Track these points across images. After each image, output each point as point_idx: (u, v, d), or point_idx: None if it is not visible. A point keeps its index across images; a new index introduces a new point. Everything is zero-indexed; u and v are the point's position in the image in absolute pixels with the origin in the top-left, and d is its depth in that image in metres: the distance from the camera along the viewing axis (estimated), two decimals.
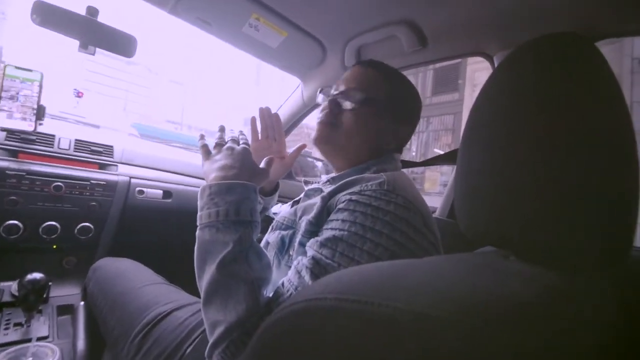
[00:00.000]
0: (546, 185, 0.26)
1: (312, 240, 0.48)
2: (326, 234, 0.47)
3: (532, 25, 0.68)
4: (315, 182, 0.76)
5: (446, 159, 0.85)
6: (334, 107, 0.62)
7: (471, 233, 0.33)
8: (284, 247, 0.56)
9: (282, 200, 1.20)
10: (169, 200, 1.16)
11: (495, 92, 0.33)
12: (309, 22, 0.89)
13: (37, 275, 0.79)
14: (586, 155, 0.26)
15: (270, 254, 0.57)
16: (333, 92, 0.65)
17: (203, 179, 1.38)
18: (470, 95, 7.90)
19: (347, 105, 0.61)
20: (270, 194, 0.79)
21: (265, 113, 0.75)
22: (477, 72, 7.64)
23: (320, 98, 0.70)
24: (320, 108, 0.66)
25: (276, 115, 0.76)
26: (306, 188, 0.75)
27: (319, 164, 1.60)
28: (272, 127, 0.75)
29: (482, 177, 0.31)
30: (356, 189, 0.50)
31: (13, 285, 0.87)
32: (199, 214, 0.48)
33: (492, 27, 0.73)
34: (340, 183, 0.54)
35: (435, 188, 8.31)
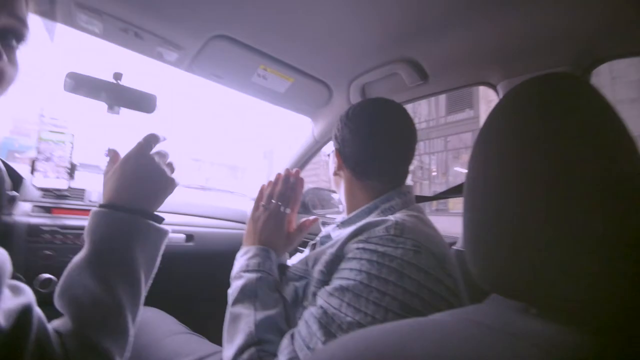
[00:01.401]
0: (563, 230, 0.25)
1: (322, 289, 0.48)
2: (334, 283, 0.46)
3: (534, 52, 0.69)
4: (332, 222, 0.76)
5: (459, 191, 0.84)
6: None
7: (484, 284, 0.31)
8: (297, 298, 0.55)
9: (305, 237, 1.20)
10: (191, 244, 1.19)
11: (497, 133, 0.33)
12: (313, 67, 0.94)
13: None
14: (604, 197, 0.25)
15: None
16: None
17: (223, 219, 1.40)
18: (486, 111, 7.80)
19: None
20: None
21: (284, 178, 0.72)
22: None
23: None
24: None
25: (300, 180, 0.73)
26: (323, 229, 0.74)
27: (335, 196, 1.61)
28: (287, 195, 0.71)
29: (488, 221, 0.31)
30: (364, 236, 0.49)
31: None
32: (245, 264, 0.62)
33: (492, 58, 0.74)
34: (349, 232, 0.53)
35: (460, 207, 8.02)
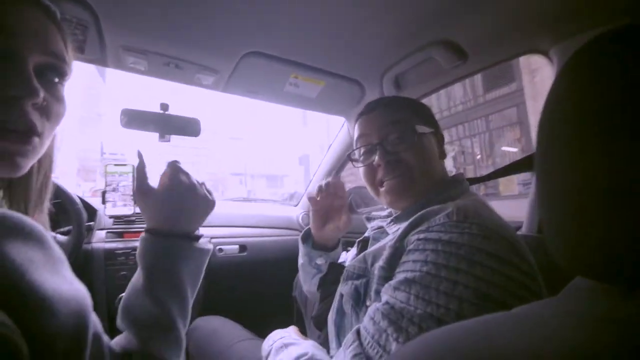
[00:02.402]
0: None
1: (386, 285, 0.46)
2: (399, 277, 0.45)
3: (587, 12, 0.61)
4: (378, 218, 0.75)
5: (519, 167, 0.77)
6: (389, 156, 0.59)
7: (573, 268, 0.28)
8: (359, 297, 0.54)
9: (349, 236, 1.19)
10: (245, 254, 1.24)
11: (570, 97, 0.29)
12: (343, 67, 0.94)
13: None
14: None
15: (347, 306, 0.56)
16: (374, 146, 0.62)
17: (272, 228, 1.43)
18: (530, 82, 7.16)
19: (402, 144, 0.59)
20: (332, 249, 0.79)
21: (323, 190, 0.75)
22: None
23: (357, 163, 0.68)
24: (366, 172, 0.64)
25: (337, 180, 0.77)
26: (369, 225, 0.74)
27: None
28: (332, 194, 0.76)
29: (572, 196, 0.27)
30: (424, 226, 0.47)
31: None
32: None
33: (539, 21, 0.67)
34: (406, 225, 0.51)
35: (513, 189, 7.42)
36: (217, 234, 1.24)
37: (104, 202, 1.06)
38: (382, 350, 0.40)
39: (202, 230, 1.22)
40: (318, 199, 0.75)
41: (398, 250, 0.50)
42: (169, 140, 1.09)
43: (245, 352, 0.73)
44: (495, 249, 0.41)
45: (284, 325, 0.94)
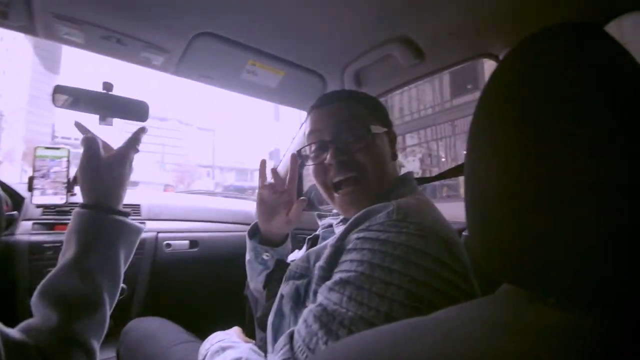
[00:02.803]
0: (585, 205, 0.21)
1: (322, 285, 0.44)
2: (335, 277, 0.43)
3: (536, 15, 0.63)
4: (330, 215, 0.73)
5: (460, 170, 0.79)
6: (342, 156, 0.56)
7: (494, 273, 0.27)
8: (299, 298, 0.51)
9: (301, 233, 1.16)
10: (196, 250, 1.18)
11: (498, 96, 0.28)
12: (303, 58, 0.90)
13: None
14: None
15: (286, 307, 0.53)
16: (326, 143, 0.58)
17: (227, 222, 1.37)
18: None
19: (356, 144, 0.56)
20: (280, 244, 0.74)
21: (264, 168, 0.70)
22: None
23: (307, 160, 0.63)
24: (316, 171, 0.60)
25: (292, 156, 0.67)
26: (320, 223, 0.71)
27: None
28: (279, 179, 0.70)
29: (494, 200, 0.26)
30: (365, 225, 0.46)
31: None
32: None
33: (491, 25, 0.68)
34: (348, 223, 0.49)
35: None
36: (166, 228, 1.16)
37: (30, 189, 0.94)
38: (311, 354, 0.38)
39: (148, 224, 1.14)
40: (264, 186, 0.70)
41: (338, 250, 0.47)
42: (111, 124, 1.00)
43: (181, 356, 0.68)
44: (430, 248, 0.40)
45: (234, 326, 0.90)
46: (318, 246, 0.56)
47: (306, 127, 0.64)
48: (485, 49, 0.74)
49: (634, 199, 0.20)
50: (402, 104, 13.73)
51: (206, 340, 0.63)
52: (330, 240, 0.51)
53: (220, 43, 0.81)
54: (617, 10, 0.56)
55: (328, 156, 0.56)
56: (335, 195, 0.58)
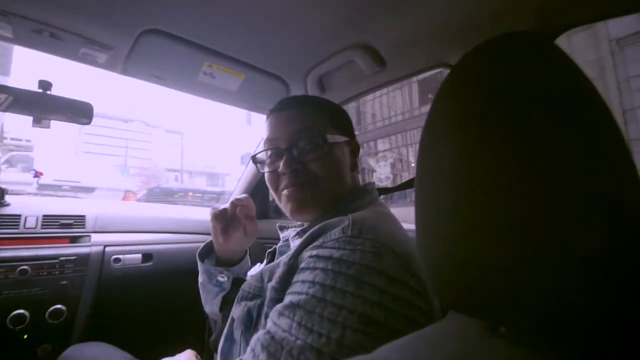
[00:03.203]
0: (533, 229, 0.20)
1: (274, 308, 0.40)
2: (286, 299, 0.40)
3: (491, 27, 0.64)
4: (292, 227, 0.69)
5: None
6: (296, 165, 0.54)
7: (441, 299, 0.25)
8: (251, 321, 0.47)
9: (268, 243, 1.11)
10: (150, 264, 1.08)
11: (446, 113, 0.27)
12: (263, 61, 0.87)
13: None
14: (582, 190, 0.19)
15: (237, 332, 0.49)
16: (280, 151, 0.56)
17: (185, 233, 1.28)
18: None
19: (311, 154, 0.54)
20: (238, 262, 0.70)
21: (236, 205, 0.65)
22: None
23: (262, 167, 0.62)
24: (270, 178, 0.58)
25: (248, 200, 0.66)
26: (282, 235, 0.67)
27: None
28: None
29: (441, 221, 0.25)
30: (319, 241, 0.43)
31: None
32: None
33: (449, 36, 0.69)
34: (303, 238, 0.46)
35: None
36: (115, 240, 1.06)
37: None
38: None
39: (94, 237, 1.04)
40: (221, 214, 0.65)
41: (292, 268, 0.44)
42: (48, 127, 0.90)
43: None
44: (386, 266, 0.38)
45: (193, 347, 0.83)
46: (272, 264, 0.52)
47: (264, 131, 0.61)
48: (443, 58, 0.75)
49: (590, 225, 0.19)
50: (374, 109, 14.04)
51: None
52: (284, 258, 0.47)
53: (172, 42, 0.75)
54: (566, 26, 0.58)
55: (281, 164, 0.54)
56: (284, 192, 0.55)
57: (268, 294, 0.45)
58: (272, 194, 0.60)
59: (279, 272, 0.45)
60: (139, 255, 1.07)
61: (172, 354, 0.73)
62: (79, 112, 0.90)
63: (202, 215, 1.33)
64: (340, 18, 0.70)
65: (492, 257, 0.21)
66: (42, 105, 0.86)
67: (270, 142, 0.58)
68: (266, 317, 0.43)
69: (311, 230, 0.46)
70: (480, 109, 0.23)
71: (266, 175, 0.59)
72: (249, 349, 0.39)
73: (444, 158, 0.25)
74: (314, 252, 0.41)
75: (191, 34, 0.75)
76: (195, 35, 0.75)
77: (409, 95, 10.70)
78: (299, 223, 0.65)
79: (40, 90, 0.86)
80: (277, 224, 0.73)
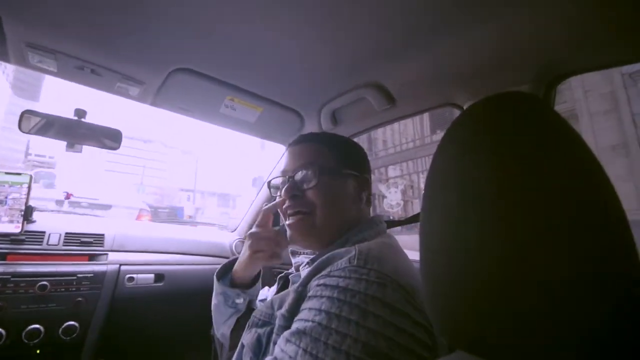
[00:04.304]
0: (534, 271, 0.22)
1: (282, 336, 0.42)
2: (293, 327, 0.41)
3: (496, 73, 0.68)
4: (303, 253, 0.71)
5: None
6: (296, 191, 0.59)
7: (446, 337, 0.27)
8: (260, 348, 0.49)
9: (275, 268, 1.12)
10: (161, 284, 1.11)
11: (452, 156, 0.30)
12: (281, 96, 0.93)
13: None
14: (569, 229, 0.22)
15: (246, 358, 0.50)
16: (286, 178, 0.62)
17: (197, 255, 1.32)
18: None
19: (308, 183, 0.59)
20: (252, 285, 0.72)
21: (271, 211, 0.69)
22: None
23: (275, 192, 0.68)
24: (280, 203, 0.63)
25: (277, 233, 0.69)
26: (294, 261, 0.69)
27: None
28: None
29: (446, 260, 0.27)
30: (326, 270, 0.45)
31: None
32: None
33: (456, 79, 0.74)
34: (312, 268, 0.48)
35: None
36: (130, 260, 1.10)
37: None
38: None
39: (111, 256, 1.08)
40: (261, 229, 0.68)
41: (301, 296, 0.46)
42: (80, 151, 0.97)
43: None
44: (390, 298, 0.39)
45: None
46: (282, 292, 0.54)
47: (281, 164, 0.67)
48: (451, 99, 0.79)
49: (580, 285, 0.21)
50: (385, 136, 14.20)
51: None
52: (293, 286, 0.49)
53: (198, 79, 0.82)
54: (566, 74, 0.62)
55: (283, 190, 0.61)
56: (287, 221, 0.61)
57: (277, 321, 0.47)
58: (282, 216, 0.64)
59: (288, 300, 0.47)
60: (152, 275, 1.10)
61: None
62: (109, 138, 0.97)
63: (214, 237, 1.37)
64: (353, 59, 0.76)
65: (499, 296, 0.23)
66: (76, 131, 0.94)
67: (283, 172, 0.65)
68: (274, 344, 0.45)
69: (319, 260, 0.48)
70: (482, 153, 0.26)
71: (277, 200, 0.65)
72: None
73: (452, 197, 0.27)
74: (322, 281, 0.43)
75: (216, 72, 0.82)
76: (220, 73, 0.82)
77: (420, 124, 10.82)
78: (304, 262, 0.67)
79: (76, 118, 0.94)
80: (290, 249, 0.75)
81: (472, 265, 0.24)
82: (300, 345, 0.38)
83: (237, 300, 0.70)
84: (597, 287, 0.21)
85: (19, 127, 0.86)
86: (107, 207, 3.99)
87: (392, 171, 12.89)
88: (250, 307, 0.70)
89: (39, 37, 0.69)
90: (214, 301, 0.72)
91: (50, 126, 0.90)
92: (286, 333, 0.41)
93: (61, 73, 0.80)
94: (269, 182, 0.70)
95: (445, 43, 0.66)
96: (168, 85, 0.84)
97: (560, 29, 0.55)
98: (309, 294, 0.44)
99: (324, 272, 0.45)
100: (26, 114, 0.87)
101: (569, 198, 0.22)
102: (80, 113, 0.96)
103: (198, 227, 1.70)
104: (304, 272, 0.57)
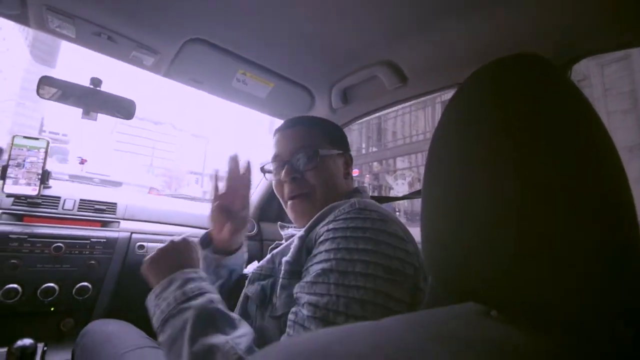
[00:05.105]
0: (526, 228, 0.22)
1: (300, 284, 0.46)
2: (313, 270, 0.45)
3: (508, 51, 0.67)
4: (292, 226, 0.73)
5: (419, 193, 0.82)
6: (295, 174, 0.63)
7: (442, 287, 0.28)
8: (265, 297, 0.53)
9: (269, 243, 1.16)
10: None
11: (454, 124, 0.30)
12: (293, 72, 0.93)
13: (26, 341, 0.77)
14: (572, 196, 0.22)
15: (252, 308, 0.54)
16: (283, 162, 0.65)
17: (207, 229, 1.37)
18: None
19: (307, 165, 0.63)
20: (234, 252, 0.73)
21: (234, 162, 0.70)
22: None
23: (267, 176, 0.71)
24: (276, 186, 0.67)
25: (247, 169, 0.70)
26: (283, 233, 0.72)
27: None
28: (240, 178, 0.70)
29: (446, 217, 0.28)
30: (331, 217, 0.50)
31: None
32: (154, 319, 0.49)
33: (468, 59, 0.73)
34: (313, 219, 0.53)
35: None
36: (141, 229, 1.13)
37: (3, 177, 0.92)
38: None
39: (122, 224, 1.11)
40: (223, 186, 0.70)
41: (305, 242, 0.51)
42: (95, 119, 0.99)
43: None
44: (393, 229, 0.46)
45: None
46: (282, 247, 0.58)
47: (272, 149, 0.69)
48: (462, 80, 0.78)
49: (574, 222, 0.22)
50: (395, 127, 14.04)
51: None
52: (297, 234, 0.54)
53: (212, 50, 0.83)
54: (581, 55, 0.61)
55: (283, 174, 0.64)
56: (288, 203, 0.65)
57: (282, 267, 0.51)
58: (280, 200, 0.68)
59: (293, 247, 0.52)
60: (161, 245, 1.13)
61: None
62: (123, 108, 0.99)
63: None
64: (367, 37, 0.76)
65: (492, 250, 0.24)
66: (91, 99, 0.96)
67: (276, 157, 0.67)
68: (282, 287, 0.49)
69: (322, 211, 0.53)
70: (487, 120, 0.26)
71: (273, 184, 0.69)
72: (290, 329, 0.42)
73: (453, 166, 0.28)
74: (330, 226, 0.48)
75: (230, 44, 0.82)
76: (234, 45, 0.83)
77: (432, 116, 10.65)
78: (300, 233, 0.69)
79: (92, 86, 0.96)
80: (278, 223, 0.77)
81: (472, 228, 0.25)
82: (331, 281, 0.42)
83: (218, 268, 0.71)
84: (598, 245, 0.21)
85: (37, 93, 0.89)
86: (118, 184, 4.09)
87: (401, 163, 12.80)
88: (235, 279, 0.73)
89: (59, 1, 0.70)
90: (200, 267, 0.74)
91: (67, 93, 0.92)
92: (309, 278, 0.44)
93: (79, 39, 0.81)
94: (262, 167, 0.72)
95: (459, 24, 0.66)
96: (182, 56, 0.85)
97: (573, 9, 0.54)
98: (320, 239, 0.48)
99: (329, 219, 0.50)
100: (44, 80, 0.89)
101: (580, 174, 0.22)
102: (96, 82, 0.98)
103: (206, 204, 1.74)
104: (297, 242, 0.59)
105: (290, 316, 0.44)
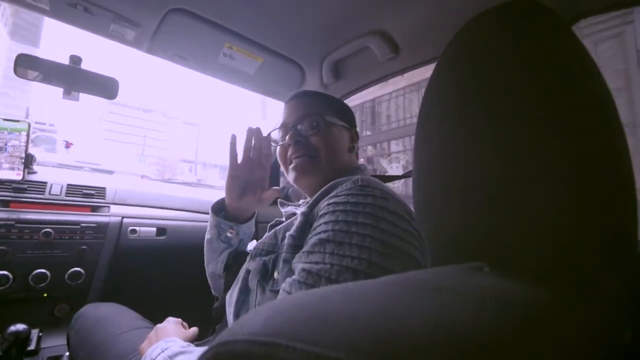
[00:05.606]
0: (516, 185, 0.22)
1: (297, 254, 0.46)
2: (311, 241, 0.45)
3: None
4: (292, 204, 0.72)
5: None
6: (299, 137, 0.63)
7: (434, 246, 0.28)
8: (267, 272, 0.53)
9: (264, 225, 1.15)
10: (163, 237, 1.13)
11: (447, 71, 0.29)
12: (282, 45, 0.89)
13: (20, 326, 0.76)
14: (565, 151, 0.21)
15: (253, 282, 0.54)
16: (288, 128, 0.65)
17: (199, 212, 1.34)
18: None
19: (312, 130, 0.63)
20: (246, 221, 0.73)
21: (254, 134, 0.68)
22: None
23: (275, 143, 0.70)
24: (280, 151, 0.67)
25: (267, 138, 0.69)
26: (283, 210, 0.71)
27: None
28: (259, 149, 0.68)
29: (435, 177, 0.27)
30: (333, 193, 0.50)
31: None
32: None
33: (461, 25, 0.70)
34: (317, 195, 0.53)
35: None
36: (132, 213, 1.11)
37: None
38: None
39: (112, 209, 1.09)
40: (241, 158, 0.69)
41: (309, 218, 0.51)
42: (77, 99, 0.95)
43: (131, 343, 0.65)
44: (394, 207, 0.46)
45: (198, 316, 0.87)
46: (285, 223, 0.58)
47: (280, 119, 0.69)
48: None
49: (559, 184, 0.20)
50: (389, 111, 13.95)
51: (153, 347, 0.55)
52: (300, 209, 0.54)
53: (196, 21, 0.79)
54: (582, 13, 0.59)
55: (287, 137, 0.64)
56: (292, 163, 0.64)
57: (286, 242, 0.51)
58: (282, 166, 0.67)
59: (296, 222, 0.51)
60: (154, 229, 1.12)
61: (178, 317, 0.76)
62: (106, 87, 0.95)
63: (215, 197, 1.38)
64: (358, 5, 0.72)
65: (482, 207, 0.23)
66: (72, 78, 0.91)
67: (283, 125, 0.68)
68: (284, 261, 0.49)
69: (324, 188, 0.53)
70: (480, 78, 0.25)
71: (277, 150, 0.67)
72: (282, 292, 0.43)
73: (442, 127, 0.27)
74: (332, 201, 0.47)
75: (214, 15, 0.78)
76: (218, 16, 0.79)
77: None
78: (300, 202, 0.68)
79: (71, 64, 0.92)
80: (278, 200, 0.76)
81: (464, 187, 0.25)
82: (326, 251, 0.42)
83: (229, 234, 0.71)
84: (596, 199, 0.20)
85: (15, 72, 0.84)
86: (109, 172, 4.02)
87: (395, 146, 12.79)
88: (242, 251, 0.73)
89: None
90: (207, 236, 0.74)
91: (46, 71, 0.87)
92: (306, 247, 0.45)
93: (54, 11, 0.76)
94: (269, 135, 0.70)
95: None
96: (164, 29, 0.80)
97: None
98: (320, 212, 0.48)
99: (331, 194, 0.49)
100: (21, 58, 0.84)
101: (581, 132, 0.21)
102: (76, 60, 0.93)
103: (198, 188, 1.72)
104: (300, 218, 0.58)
105: (284, 285, 0.43)
